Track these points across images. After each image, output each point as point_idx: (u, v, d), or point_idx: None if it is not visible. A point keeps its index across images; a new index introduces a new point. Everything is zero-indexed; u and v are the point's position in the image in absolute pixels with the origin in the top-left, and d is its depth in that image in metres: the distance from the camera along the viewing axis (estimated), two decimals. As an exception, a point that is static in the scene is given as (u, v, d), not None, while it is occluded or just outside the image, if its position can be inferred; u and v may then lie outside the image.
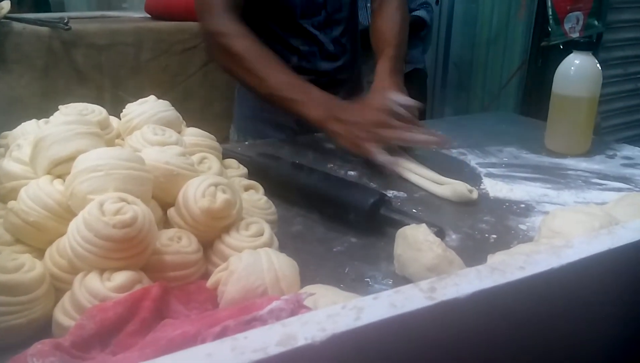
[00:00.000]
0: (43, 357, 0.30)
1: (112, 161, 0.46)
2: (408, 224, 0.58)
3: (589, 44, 0.90)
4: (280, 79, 0.90)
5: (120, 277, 0.43)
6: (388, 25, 1.06)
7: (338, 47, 1.11)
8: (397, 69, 0.98)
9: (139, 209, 0.44)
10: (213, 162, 0.60)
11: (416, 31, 2.23)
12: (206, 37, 0.98)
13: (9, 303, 0.42)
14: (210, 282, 0.46)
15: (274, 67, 0.91)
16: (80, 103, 0.61)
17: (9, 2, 1.44)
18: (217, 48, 0.94)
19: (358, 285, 0.54)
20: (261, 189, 0.64)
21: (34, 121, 0.63)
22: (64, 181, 0.49)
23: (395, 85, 0.93)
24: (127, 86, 1.55)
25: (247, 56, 0.90)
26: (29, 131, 0.62)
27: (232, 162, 0.69)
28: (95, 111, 0.60)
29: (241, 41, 0.91)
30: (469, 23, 2.71)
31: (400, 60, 1.02)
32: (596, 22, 2.55)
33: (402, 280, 0.55)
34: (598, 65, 0.89)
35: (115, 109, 0.67)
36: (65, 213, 0.48)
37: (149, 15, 1.79)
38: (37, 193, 0.48)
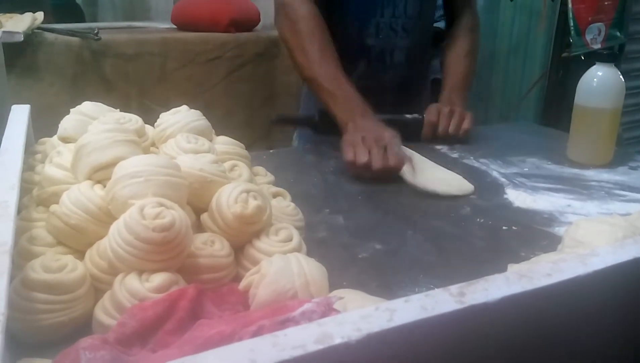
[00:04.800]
0: (94, 351, 0.32)
1: (151, 168, 0.49)
2: None
3: (611, 55, 0.91)
4: (327, 69, 0.96)
5: (159, 278, 0.44)
6: (455, 57, 1.17)
7: (410, 56, 1.15)
8: (457, 96, 1.10)
9: (176, 214, 0.46)
10: (243, 169, 0.62)
11: (436, 42, 2.24)
12: (276, 5, 1.05)
13: (53, 302, 0.44)
14: (242, 285, 0.48)
15: (327, 56, 0.98)
16: (117, 112, 0.64)
17: (42, 13, 1.49)
18: (283, 19, 1.02)
19: (382, 291, 0.55)
20: (288, 196, 0.65)
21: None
22: (104, 186, 0.52)
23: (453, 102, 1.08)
24: (153, 95, 1.58)
25: (308, 37, 0.98)
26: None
27: (260, 169, 0.71)
28: (132, 120, 0.63)
29: (308, 22, 0.99)
30: (488, 34, 2.71)
31: (463, 87, 1.14)
32: (618, 33, 2.53)
33: (427, 287, 0.56)
34: (621, 76, 0.90)
35: (142, 118, 0.69)
36: (105, 216, 0.50)
37: (174, 26, 1.83)
38: (78, 197, 0.51)
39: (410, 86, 1.20)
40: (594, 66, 0.91)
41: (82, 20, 2.27)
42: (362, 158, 0.84)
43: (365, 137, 0.87)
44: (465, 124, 1.04)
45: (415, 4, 1.11)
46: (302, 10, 1.00)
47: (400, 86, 1.17)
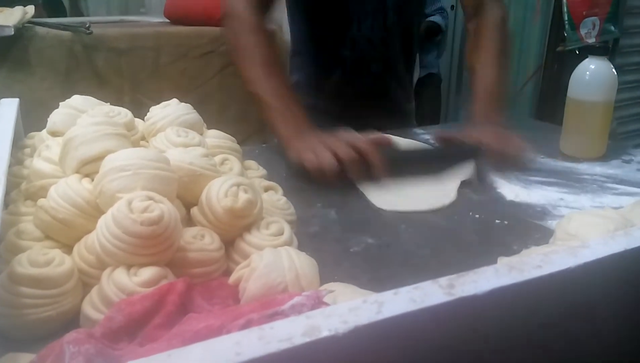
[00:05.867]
0: (79, 345, 0.32)
1: (140, 161, 0.48)
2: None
3: (604, 48, 0.91)
4: (271, 85, 0.88)
5: (147, 273, 0.44)
6: (484, 60, 0.98)
7: (388, 66, 1.11)
8: (493, 109, 0.92)
9: (165, 208, 0.45)
10: (234, 163, 0.62)
11: (431, 36, 2.24)
12: (222, 16, 0.98)
13: (40, 296, 0.44)
14: (232, 279, 0.48)
15: (271, 72, 0.90)
16: (107, 105, 0.63)
17: (32, 7, 1.48)
18: (228, 31, 0.95)
19: (374, 284, 0.55)
20: (280, 190, 0.65)
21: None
22: (92, 180, 0.51)
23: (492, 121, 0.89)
24: (146, 89, 1.57)
25: (250, 52, 0.91)
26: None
27: (251, 163, 0.71)
28: (122, 113, 0.62)
29: (250, 36, 0.92)
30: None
31: (498, 95, 0.95)
32: (612, 28, 2.53)
33: (418, 280, 0.55)
34: (613, 70, 0.90)
35: (135, 112, 0.68)
36: (93, 210, 0.50)
37: (167, 20, 1.82)
38: (66, 191, 0.50)
39: (391, 93, 1.17)
40: (587, 60, 0.91)
41: (64, 15, 2.24)
42: (325, 157, 0.73)
43: (318, 140, 0.77)
44: (521, 149, 0.83)
45: (394, 17, 1.07)
46: (245, 24, 0.93)
47: (380, 95, 1.14)
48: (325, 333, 0.28)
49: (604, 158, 0.93)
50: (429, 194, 0.76)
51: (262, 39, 0.92)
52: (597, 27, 2.47)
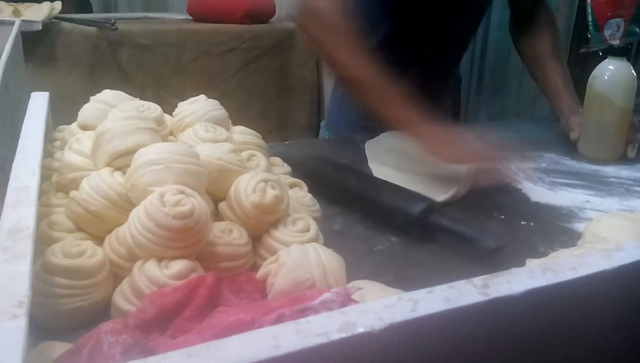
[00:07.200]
0: (117, 335, 0.33)
1: (172, 156, 0.49)
2: (459, 232, 0.60)
3: (624, 49, 0.90)
4: (378, 68, 0.86)
5: (178, 265, 0.45)
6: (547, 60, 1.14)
7: (457, 62, 1.20)
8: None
9: (196, 202, 0.46)
10: (261, 159, 0.62)
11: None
12: (302, 6, 0.93)
13: (72, 287, 0.45)
14: (260, 274, 0.48)
15: (369, 55, 0.88)
16: (137, 100, 0.64)
17: (59, 3, 1.50)
18: (311, 17, 0.92)
19: (399, 283, 0.55)
20: (305, 187, 0.65)
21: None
22: (124, 173, 0.52)
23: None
24: (169, 85, 1.59)
25: (346, 33, 0.87)
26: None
27: (276, 160, 0.71)
28: (151, 108, 0.63)
29: (342, 19, 0.88)
30: (505, 28, 2.67)
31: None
32: (637, 29, 2.49)
33: (443, 280, 0.55)
34: (633, 71, 0.88)
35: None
36: (124, 203, 0.50)
37: (190, 17, 1.83)
38: (98, 184, 0.51)
39: (447, 89, 1.21)
40: (606, 60, 0.89)
41: (90, 11, 2.27)
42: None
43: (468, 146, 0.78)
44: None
45: (474, 17, 1.12)
46: (330, 6, 0.89)
47: (441, 91, 1.18)
48: (361, 329, 0.28)
49: (630, 160, 0.91)
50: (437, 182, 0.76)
51: (349, 22, 0.89)
52: (621, 29, 2.42)
